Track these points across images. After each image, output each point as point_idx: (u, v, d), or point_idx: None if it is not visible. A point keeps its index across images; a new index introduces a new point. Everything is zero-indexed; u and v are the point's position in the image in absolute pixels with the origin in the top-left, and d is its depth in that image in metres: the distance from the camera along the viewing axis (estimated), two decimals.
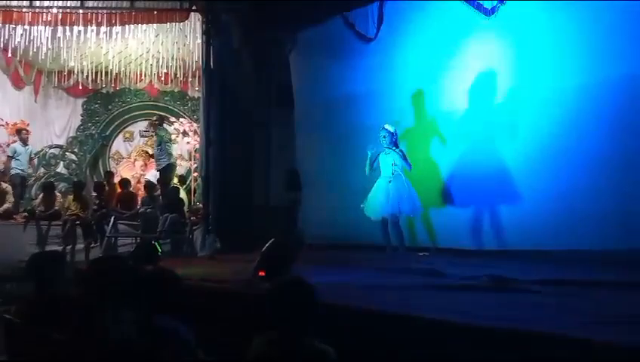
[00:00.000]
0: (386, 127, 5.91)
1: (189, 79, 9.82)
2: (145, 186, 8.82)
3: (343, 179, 6.39)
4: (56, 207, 8.32)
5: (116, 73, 9.71)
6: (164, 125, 9.16)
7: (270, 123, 8.21)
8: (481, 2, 6.07)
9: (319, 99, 7.68)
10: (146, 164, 10.17)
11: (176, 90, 10.46)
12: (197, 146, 9.00)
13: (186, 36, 8.35)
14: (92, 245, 7.61)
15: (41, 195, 8.68)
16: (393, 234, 5.81)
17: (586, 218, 5.00)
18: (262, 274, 4.20)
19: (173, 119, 9.86)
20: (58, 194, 9.04)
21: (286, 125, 8.11)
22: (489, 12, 6.01)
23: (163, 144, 8.59)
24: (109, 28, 8.16)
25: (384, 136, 5.85)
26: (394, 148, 5.81)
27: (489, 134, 5.98)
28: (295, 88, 8.02)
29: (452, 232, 6.16)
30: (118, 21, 7.92)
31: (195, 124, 9.46)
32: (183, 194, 8.77)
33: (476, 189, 6.01)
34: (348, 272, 5.00)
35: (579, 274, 4.10)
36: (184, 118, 10.12)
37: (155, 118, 9.13)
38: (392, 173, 5.76)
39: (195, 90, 9.82)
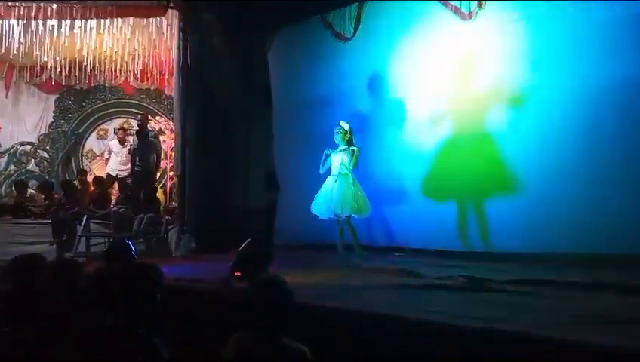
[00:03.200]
0: (341, 123, 5.95)
1: (166, 77, 9.70)
2: (119, 186, 8.68)
3: (320, 179, 6.38)
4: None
5: (91, 69, 9.51)
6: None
7: (248, 122, 8.15)
8: (459, 6, 6.13)
9: (297, 99, 7.66)
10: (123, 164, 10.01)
11: (152, 88, 10.32)
12: (173, 145, 8.90)
13: (164, 33, 8.24)
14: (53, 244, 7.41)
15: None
16: (348, 234, 5.82)
17: (564, 221, 5.06)
18: (238, 274, 4.17)
19: (149, 117, 9.72)
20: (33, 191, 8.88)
21: (264, 125, 8.07)
22: (467, 16, 6.07)
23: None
24: (83, 22, 8.01)
25: (336, 133, 5.87)
26: (347, 146, 5.80)
27: (468, 136, 6.02)
28: (274, 88, 7.99)
29: (428, 232, 6.20)
30: (93, 14, 7.77)
31: (171, 123, 9.35)
32: (159, 194, 8.65)
33: (453, 190, 6.05)
34: (323, 272, 4.99)
35: (554, 275, 4.16)
36: (160, 116, 9.99)
37: (139, 117, 8.92)
38: (339, 172, 5.73)
39: (172, 89, 9.70)
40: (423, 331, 2.77)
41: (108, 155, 9.61)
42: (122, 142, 9.39)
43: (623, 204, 4.77)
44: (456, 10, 6.13)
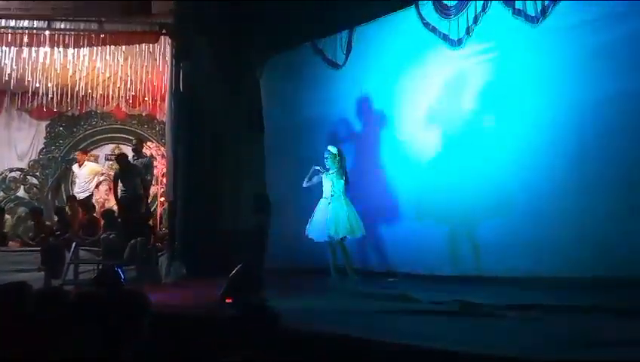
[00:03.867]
0: (329, 148, 6.01)
1: (158, 102, 9.72)
2: (102, 214, 8.64)
3: (312, 204, 6.39)
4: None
5: (82, 95, 9.53)
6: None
7: (239, 147, 8.17)
8: (447, 34, 6.23)
9: (289, 124, 7.71)
10: (110, 189, 9.95)
11: (144, 114, 10.33)
12: (164, 171, 8.87)
13: (156, 59, 8.30)
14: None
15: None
16: (340, 256, 5.81)
17: (553, 244, 5.08)
18: (229, 300, 4.13)
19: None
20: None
21: (255, 149, 8.09)
22: (455, 43, 6.16)
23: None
24: (76, 50, 8.07)
25: (326, 158, 5.94)
26: (337, 170, 5.83)
27: (458, 160, 6.06)
28: (265, 113, 8.04)
29: (420, 256, 6.18)
30: (86, 43, 7.83)
31: (162, 148, 9.34)
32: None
33: (443, 213, 6.06)
34: (315, 297, 4.95)
35: (545, 299, 4.15)
36: (152, 141, 9.98)
37: (134, 142, 8.88)
38: (332, 195, 5.77)
39: (164, 114, 9.72)
40: (417, 357, 2.74)
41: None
42: (80, 164, 9.44)
43: (612, 227, 4.79)
44: (445, 38, 6.23)
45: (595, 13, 5.06)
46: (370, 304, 4.47)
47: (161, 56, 8.21)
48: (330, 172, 5.96)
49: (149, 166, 8.40)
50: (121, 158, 8.38)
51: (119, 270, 4.00)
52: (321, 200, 5.95)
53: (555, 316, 3.65)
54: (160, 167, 9.24)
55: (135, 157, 8.39)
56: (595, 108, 4.99)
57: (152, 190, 9.60)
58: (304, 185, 6.06)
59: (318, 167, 6.03)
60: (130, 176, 8.20)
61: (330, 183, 5.88)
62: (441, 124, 6.27)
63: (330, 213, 5.78)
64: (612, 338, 2.88)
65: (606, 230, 4.83)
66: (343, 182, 5.85)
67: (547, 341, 2.88)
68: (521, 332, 3.20)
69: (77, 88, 9.14)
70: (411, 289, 5.01)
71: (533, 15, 5.46)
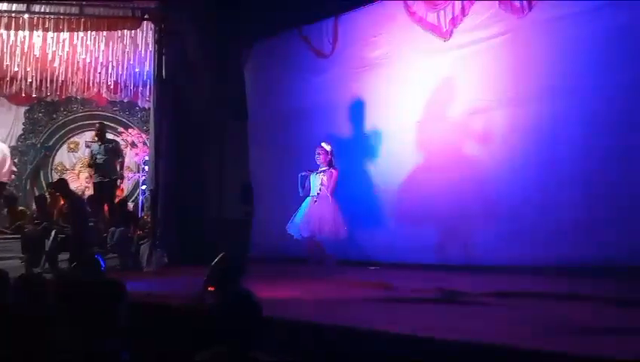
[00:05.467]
0: (322, 145, 5.91)
1: (140, 89, 9.58)
2: (88, 200, 8.47)
3: (295, 193, 6.37)
4: None
5: (62, 81, 9.33)
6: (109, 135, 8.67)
7: (223, 135, 8.09)
8: (434, 24, 6.21)
9: (274, 112, 7.65)
10: (91, 176, 9.80)
11: (125, 100, 10.17)
12: (146, 158, 8.75)
13: (138, 45, 8.16)
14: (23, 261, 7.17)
15: None
16: (316, 250, 5.78)
17: (541, 234, 5.15)
18: (211, 289, 4.09)
19: (121, 129, 9.58)
20: None
21: (239, 138, 8.02)
22: (444, 34, 6.14)
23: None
24: (56, 34, 7.90)
25: (318, 154, 5.85)
26: (326, 167, 5.78)
27: (446, 152, 6.07)
28: (250, 101, 7.96)
29: (405, 247, 6.20)
30: (66, 27, 7.66)
31: (144, 135, 9.22)
32: (130, 207, 8.49)
33: (429, 202, 6.08)
34: (298, 286, 4.94)
35: (529, 286, 4.19)
36: (133, 128, 9.85)
37: (97, 126, 8.54)
38: (318, 193, 5.71)
39: (146, 101, 9.58)
40: (399, 344, 2.74)
41: None
42: None
43: (598, 218, 4.86)
44: (433, 30, 6.20)
45: (580, 5, 5.09)
46: (352, 292, 4.46)
47: (143, 42, 8.07)
48: (320, 169, 5.86)
49: (115, 151, 8.12)
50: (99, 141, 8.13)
51: (99, 258, 3.93)
52: (308, 197, 5.83)
53: (539, 303, 3.68)
54: (141, 154, 9.13)
55: (99, 143, 8.07)
56: (582, 100, 5.03)
57: (135, 177, 9.50)
58: (300, 194, 5.94)
59: (305, 173, 5.94)
60: (109, 159, 8.00)
61: (319, 181, 5.79)
62: (427, 115, 6.27)
63: (315, 213, 5.68)
64: (596, 325, 2.91)
65: (586, 221, 4.91)
66: (331, 180, 5.74)
67: (532, 328, 2.90)
68: (505, 320, 3.22)
69: (57, 73, 8.96)
70: (394, 278, 5.03)
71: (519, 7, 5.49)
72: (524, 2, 5.48)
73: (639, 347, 2.37)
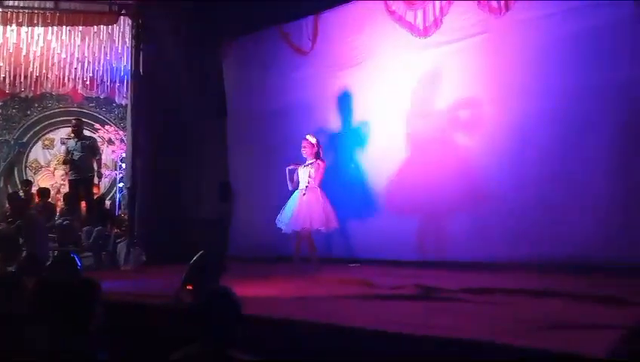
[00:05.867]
0: (308, 137, 5.89)
1: (117, 85, 9.45)
2: (63, 197, 8.35)
3: (275, 191, 6.34)
4: None
5: (37, 76, 9.17)
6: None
7: (202, 132, 8.01)
8: (412, 22, 6.24)
9: (254, 110, 7.60)
10: (66, 173, 9.65)
11: (102, 97, 10.03)
12: (123, 155, 8.64)
13: (115, 40, 8.04)
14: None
15: None
16: (305, 247, 5.78)
17: (512, 230, 5.22)
18: (190, 287, 4.06)
19: (98, 126, 9.43)
20: None
21: (218, 136, 7.96)
22: (422, 33, 6.18)
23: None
24: (30, 28, 7.74)
25: (304, 147, 5.84)
26: (314, 160, 5.78)
27: (427, 149, 6.12)
28: (230, 98, 7.90)
29: (385, 244, 6.23)
30: (40, 22, 7.51)
31: (121, 132, 9.10)
32: (106, 205, 8.38)
33: (409, 199, 6.12)
34: (277, 284, 4.94)
35: (505, 283, 4.25)
36: (110, 125, 9.72)
37: (73, 122, 8.39)
38: (307, 186, 5.71)
39: (123, 97, 9.46)
40: (379, 341, 2.76)
41: None
42: None
43: (572, 214, 4.96)
44: (411, 28, 6.23)
45: (558, 5, 5.17)
46: (332, 290, 4.47)
47: (120, 38, 7.96)
48: (308, 162, 5.84)
49: (92, 147, 8.01)
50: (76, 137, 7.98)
51: (75, 257, 3.86)
52: (296, 191, 5.80)
53: (516, 299, 3.73)
54: (118, 151, 9.02)
55: (76, 140, 7.95)
56: (562, 99, 5.12)
57: (113, 174, 9.38)
58: (290, 188, 5.91)
59: (292, 166, 5.91)
60: (85, 157, 7.86)
61: (306, 174, 5.77)
62: (406, 114, 6.30)
63: (304, 206, 5.65)
64: (574, 321, 2.95)
65: (563, 219, 5.00)
66: (318, 172, 5.73)
67: (510, 324, 2.94)
68: (483, 316, 3.26)
69: (31, 69, 8.79)
70: (373, 275, 5.06)
71: (496, 7, 5.56)
72: (502, 2, 5.55)
73: (611, 342, 2.42)
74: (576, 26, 5.08)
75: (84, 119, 9.46)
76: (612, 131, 4.84)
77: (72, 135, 8.09)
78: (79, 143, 7.88)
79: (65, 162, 8.30)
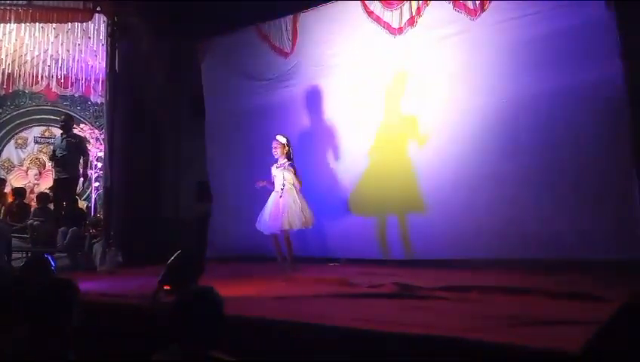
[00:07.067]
0: (278, 137, 5.85)
1: (92, 83, 9.30)
2: (37, 197, 8.19)
3: (253, 191, 6.31)
4: None
5: (9, 74, 8.96)
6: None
7: (179, 132, 7.93)
8: (390, 23, 6.30)
9: (231, 110, 7.55)
10: (40, 173, 9.47)
11: (77, 95, 9.86)
12: (99, 154, 8.50)
13: (90, 38, 7.91)
14: None
15: None
16: (284, 246, 5.78)
17: (486, 228, 5.30)
18: (167, 287, 4.02)
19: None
20: None
21: (196, 135, 7.88)
22: (397, 32, 6.25)
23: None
24: (2, 25, 7.58)
25: (274, 148, 5.80)
26: (285, 160, 5.76)
27: (397, 150, 6.17)
28: (207, 98, 7.83)
29: (359, 244, 6.26)
30: (12, 18, 7.35)
31: (97, 131, 8.96)
32: (82, 205, 8.24)
33: (382, 199, 6.16)
34: (256, 284, 4.92)
35: (482, 280, 4.30)
36: (85, 124, 9.56)
37: (62, 117, 8.21)
38: (282, 188, 5.69)
39: (98, 96, 9.32)
40: (358, 339, 2.77)
41: None
42: None
43: (542, 209, 5.08)
44: (387, 27, 6.29)
45: (532, 6, 5.27)
46: (311, 289, 4.47)
47: (95, 35, 7.84)
48: (280, 163, 5.82)
49: (78, 147, 7.83)
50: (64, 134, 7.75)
51: (49, 258, 3.79)
52: (273, 193, 5.78)
53: (492, 297, 3.79)
54: (94, 150, 8.88)
55: (64, 136, 7.79)
56: (530, 101, 5.22)
57: (89, 174, 9.22)
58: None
59: (261, 183, 5.84)
60: (73, 155, 7.70)
61: (280, 175, 5.75)
62: (383, 113, 6.34)
63: (283, 207, 5.61)
64: (549, 318, 3.00)
65: (533, 217, 5.10)
66: (292, 173, 5.71)
67: (485, 321, 2.98)
68: (458, 313, 3.30)
69: (3, 66, 8.60)
70: (352, 274, 5.08)
71: (472, 8, 5.65)
72: (478, 2, 5.64)
73: (582, 336, 2.47)
74: (551, 26, 5.18)
75: (56, 118, 9.30)
76: (586, 131, 4.95)
77: (61, 131, 7.90)
78: (65, 141, 7.71)
79: (50, 159, 8.14)
